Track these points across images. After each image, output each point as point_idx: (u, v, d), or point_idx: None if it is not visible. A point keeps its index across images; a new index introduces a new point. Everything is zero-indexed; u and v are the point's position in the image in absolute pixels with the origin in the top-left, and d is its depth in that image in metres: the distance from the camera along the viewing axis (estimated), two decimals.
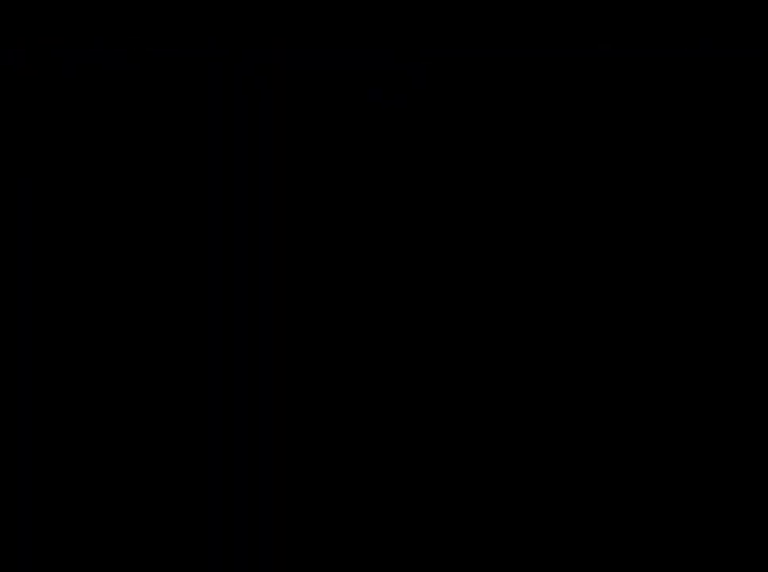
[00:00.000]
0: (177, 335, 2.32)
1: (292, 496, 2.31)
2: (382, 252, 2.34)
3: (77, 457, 2.31)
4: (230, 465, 2.29)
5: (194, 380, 2.32)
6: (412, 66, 2.34)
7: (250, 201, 2.30)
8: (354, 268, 2.34)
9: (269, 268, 2.31)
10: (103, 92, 2.34)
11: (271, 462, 2.29)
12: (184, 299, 2.32)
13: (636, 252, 2.35)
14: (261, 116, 2.31)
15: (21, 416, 2.30)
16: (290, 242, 2.33)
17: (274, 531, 2.30)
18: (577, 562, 2.31)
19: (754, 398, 2.32)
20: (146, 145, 2.34)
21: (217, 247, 2.30)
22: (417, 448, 2.33)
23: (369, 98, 2.34)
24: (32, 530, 2.29)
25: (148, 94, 2.33)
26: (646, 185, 2.36)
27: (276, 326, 2.31)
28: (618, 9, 2.36)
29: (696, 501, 2.32)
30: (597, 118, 2.36)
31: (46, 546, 2.30)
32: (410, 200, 2.35)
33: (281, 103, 2.32)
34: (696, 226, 2.35)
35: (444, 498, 2.32)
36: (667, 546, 2.31)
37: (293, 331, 2.32)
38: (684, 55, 2.35)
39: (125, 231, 2.33)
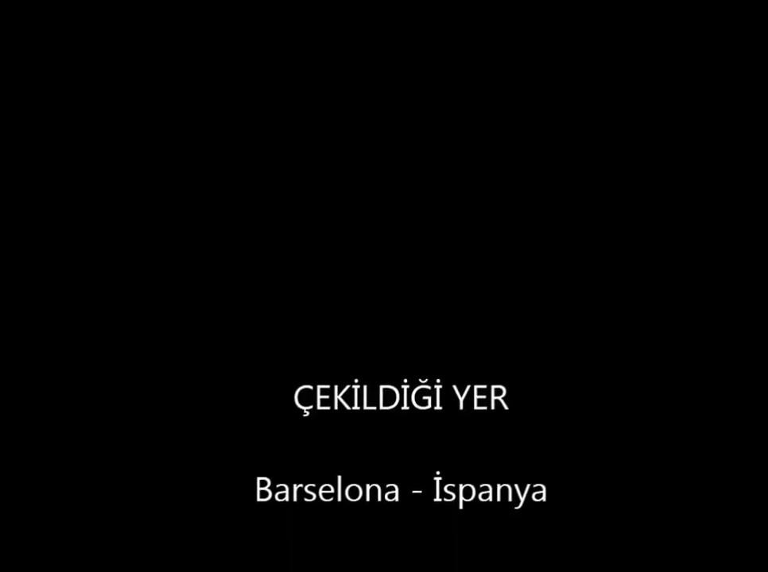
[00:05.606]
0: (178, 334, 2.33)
1: None
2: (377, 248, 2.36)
3: (75, 456, 2.32)
4: None
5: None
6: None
7: None
8: (353, 266, 2.35)
9: None
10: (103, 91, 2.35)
11: None
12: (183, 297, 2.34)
13: (635, 251, 2.36)
14: None
15: (19, 411, 2.32)
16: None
17: None
18: (576, 561, 2.32)
19: (752, 397, 2.33)
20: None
21: None
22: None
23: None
24: (31, 528, 2.31)
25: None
26: (645, 186, 2.37)
27: None
28: (618, 8, 2.37)
29: (695, 501, 2.33)
30: (596, 118, 2.37)
31: (44, 544, 2.31)
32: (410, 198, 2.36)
33: None
34: (695, 226, 2.37)
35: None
36: (666, 545, 2.33)
37: None
38: (683, 54, 2.37)
39: (125, 231, 2.35)
